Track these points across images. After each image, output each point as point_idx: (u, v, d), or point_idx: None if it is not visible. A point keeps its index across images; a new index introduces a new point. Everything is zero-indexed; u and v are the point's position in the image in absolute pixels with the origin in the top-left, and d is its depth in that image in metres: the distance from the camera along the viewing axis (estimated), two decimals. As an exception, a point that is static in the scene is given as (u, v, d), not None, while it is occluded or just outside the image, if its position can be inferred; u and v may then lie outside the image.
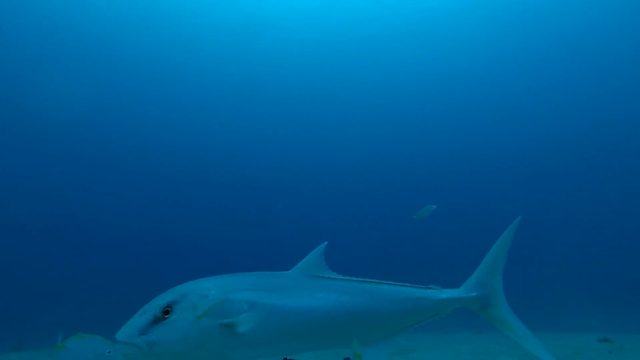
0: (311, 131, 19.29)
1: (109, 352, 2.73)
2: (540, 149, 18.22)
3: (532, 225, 16.73)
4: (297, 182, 18.73)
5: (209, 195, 18.25)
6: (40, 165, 17.11)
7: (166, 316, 2.80)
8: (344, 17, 17.21)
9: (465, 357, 6.38)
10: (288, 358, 3.29)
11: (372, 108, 18.92)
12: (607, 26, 16.60)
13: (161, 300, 2.89)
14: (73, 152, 17.46)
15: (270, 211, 17.84)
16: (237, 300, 2.98)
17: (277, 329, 3.01)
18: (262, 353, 3.02)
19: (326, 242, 3.38)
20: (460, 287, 3.32)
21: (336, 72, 18.50)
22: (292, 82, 18.73)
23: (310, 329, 3.16)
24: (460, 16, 17.00)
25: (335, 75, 18.56)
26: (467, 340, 8.36)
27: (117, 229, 16.54)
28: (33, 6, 15.48)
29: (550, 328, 9.33)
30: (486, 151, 18.52)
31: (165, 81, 18.20)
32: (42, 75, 16.40)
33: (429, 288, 3.27)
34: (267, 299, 3.05)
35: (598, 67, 17.57)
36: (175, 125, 18.48)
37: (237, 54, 17.98)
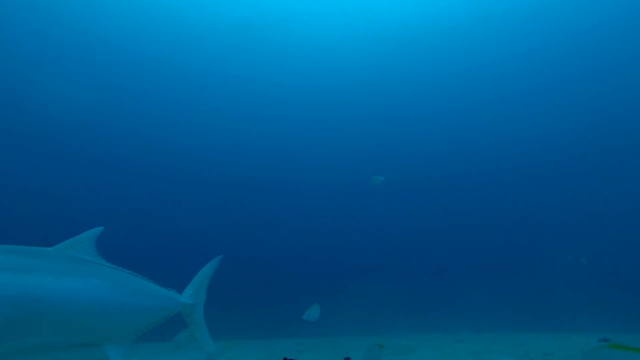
0: (311, 132, 19.27)
1: None
2: (540, 149, 18.20)
3: (532, 225, 16.73)
4: (291, 182, 18.70)
5: (209, 195, 18.22)
6: (41, 165, 17.08)
7: None
8: (344, 17, 17.20)
9: (466, 357, 6.37)
10: (288, 358, 3.30)
11: (372, 108, 18.91)
12: (607, 26, 16.59)
13: None
14: (73, 152, 17.44)
15: (271, 211, 17.82)
16: None
17: (33, 319, 2.34)
18: (6, 350, 2.36)
19: (102, 228, 3.33)
20: (183, 294, 3.91)
21: (336, 72, 18.49)
22: (293, 82, 18.72)
23: (77, 320, 2.54)
24: (460, 15, 16.98)
25: (336, 75, 18.55)
26: (467, 340, 8.35)
27: (117, 229, 16.50)
28: (33, 6, 15.47)
29: (551, 328, 9.33)
30: (486, 151, 18.50)
31: (165, 81, 18.20)
32: (42, 75, 16.39)
33: (170, 290, 3.69)
34: (22, 282, 2.41)
35: (598, 67, 17.56)
36: (175, 126, 18.46)
37: (238, 54, 17.98)
